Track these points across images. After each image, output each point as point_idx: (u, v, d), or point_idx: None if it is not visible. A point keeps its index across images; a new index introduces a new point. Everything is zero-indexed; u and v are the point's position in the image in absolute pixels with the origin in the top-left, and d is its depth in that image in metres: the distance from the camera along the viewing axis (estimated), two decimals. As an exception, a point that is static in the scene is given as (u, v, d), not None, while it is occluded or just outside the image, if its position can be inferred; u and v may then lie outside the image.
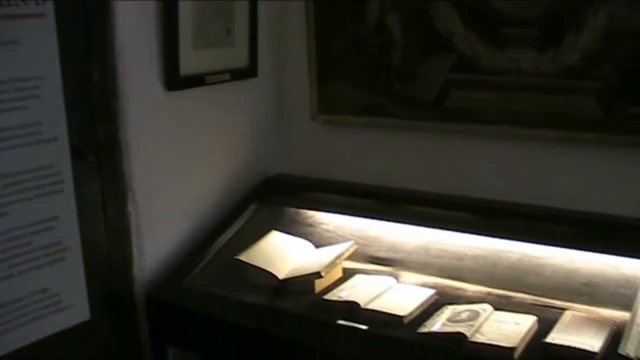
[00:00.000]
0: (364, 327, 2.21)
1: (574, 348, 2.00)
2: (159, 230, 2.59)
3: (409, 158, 2.79)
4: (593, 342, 2.03)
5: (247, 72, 2.85)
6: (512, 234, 2.44)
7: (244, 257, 2.59)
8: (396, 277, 2.54)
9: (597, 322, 2.15)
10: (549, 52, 2.46)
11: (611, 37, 2.35)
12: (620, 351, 1.92)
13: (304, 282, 2.48)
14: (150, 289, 2.54)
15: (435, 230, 2.59)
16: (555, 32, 2.43)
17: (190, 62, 2.58)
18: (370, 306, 2.32)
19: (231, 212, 2.83)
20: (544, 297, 2.36)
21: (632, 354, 1.90)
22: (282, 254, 2.65)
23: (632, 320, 2.04)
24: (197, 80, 2.64)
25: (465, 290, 2.46)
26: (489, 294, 2.42)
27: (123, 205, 2.45)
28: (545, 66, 2.47)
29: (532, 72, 2.50)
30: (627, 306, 2.14)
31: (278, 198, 2.92)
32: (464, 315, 2.20)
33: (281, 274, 2.53)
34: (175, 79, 2.55)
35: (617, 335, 2.05)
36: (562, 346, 2.02)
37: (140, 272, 2.52)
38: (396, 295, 2.41)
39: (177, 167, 2.64)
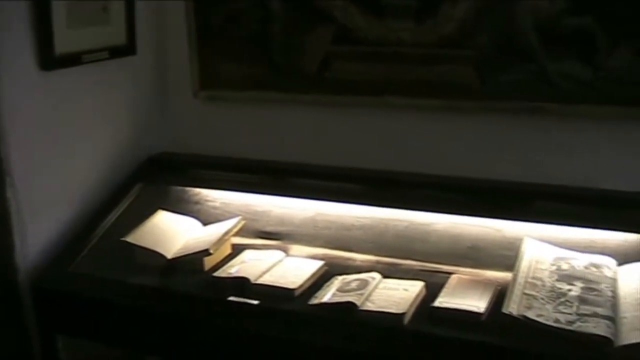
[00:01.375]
0: (255, 302, 2.20)
1: (461, 310, 2.08)
2: (42, 216, 2.51)
3: (294, 131, 2.80)
4: (479, 303, 2.11)
5: (126, 49, 2.78)
6: (397, 202, 2.49)
7: (130, 238, 2.54)
8: (285, 251, 2.55)
9: (482, 284, 2.23)
10: (427, 22, 2.50)
11: (485, 7, 2.41)
12: (504, 310, 1.99)
13: (193, 261, 2.46)
14: (35, 276, 2.46)
15: (323, 202, 2.62)
16: (432, 3, 2.48)
17: (65, 40, 2.49)
18: (260, 281, 2.32)
19: (115, 193, 2.78)
20: (431, 262, 2.42)
21: (514, 312, 1.98)
22: (169, 233, 2.62)
23: (514, 280, 2.12)
24: (73, 59, 2.55)
25: (354, 260, 2.49)
26: (377, 262, 2.46)
27: (1, 192, 2.36)
28: (423, 36, 2.52)
29: (411, 42, 2.54)
30: (510, 267, 2.22)
31: (163, 177, 2.89)
32: (353, 285, 2.24)
33: (169, 254, 2.51)
34: (50, 59, 2.46)
35: (501, 295, 2.12)
36: (449, 309, 2.09)
37: (23, 260, 2.44)
38: (286, 268, 2.42)
39: (56, 149, 2.56)
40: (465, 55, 2.49)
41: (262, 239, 2.68)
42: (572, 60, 2.37)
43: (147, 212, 2.70)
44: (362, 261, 2.48)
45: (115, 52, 2.73)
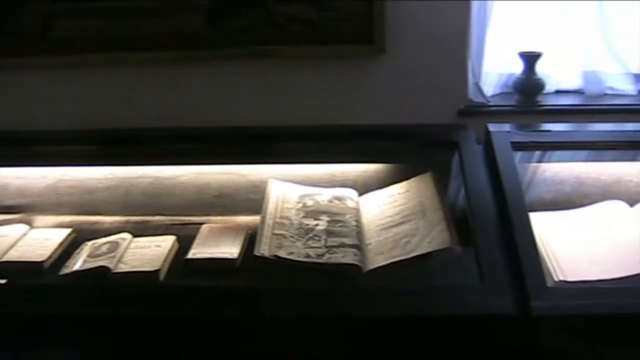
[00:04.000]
0: (2, 281, 2.10)
1: (215, 258, 2.11)
2: None
3: (24, 97, 2.67)
4: (231, 249, 2.15)
5: None
6: (139, 159, 2.48)
7: None
8: (29, 223, 2.44)
9: (233, 231, 2.26)
10: (149, -28, 2.46)
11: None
12: (256, 252, 2.03)
13: None
14: None
15: (62, 167, 2.54)
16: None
17: None
18: (5, 258, 2.22)
19: None
20: (180, 215, 2.42)
21: (266, 253, 2.03)
22: None
23: (263, 222, 2.17)
24: None
25: (102, 223, 2.44)
26: (126, 222, 2.43)
27: None
28: (149, -12, 2.48)
29: (136, -5, 2.49)
30: (258, 210, 2.26)
31: None
32: (104, 249, 2.20)
33: None
34: None
35: (252, 239, 2.16)
36: (203, 259, 2.12)
37: None
38: (32, 241, 2.32)
39: None
40: (193, 5, 2.48)
41: (3, 213, 2.54)
42: (298, 2, 2.43)
43: None
44: (110, 223, 2.44)
45: None
